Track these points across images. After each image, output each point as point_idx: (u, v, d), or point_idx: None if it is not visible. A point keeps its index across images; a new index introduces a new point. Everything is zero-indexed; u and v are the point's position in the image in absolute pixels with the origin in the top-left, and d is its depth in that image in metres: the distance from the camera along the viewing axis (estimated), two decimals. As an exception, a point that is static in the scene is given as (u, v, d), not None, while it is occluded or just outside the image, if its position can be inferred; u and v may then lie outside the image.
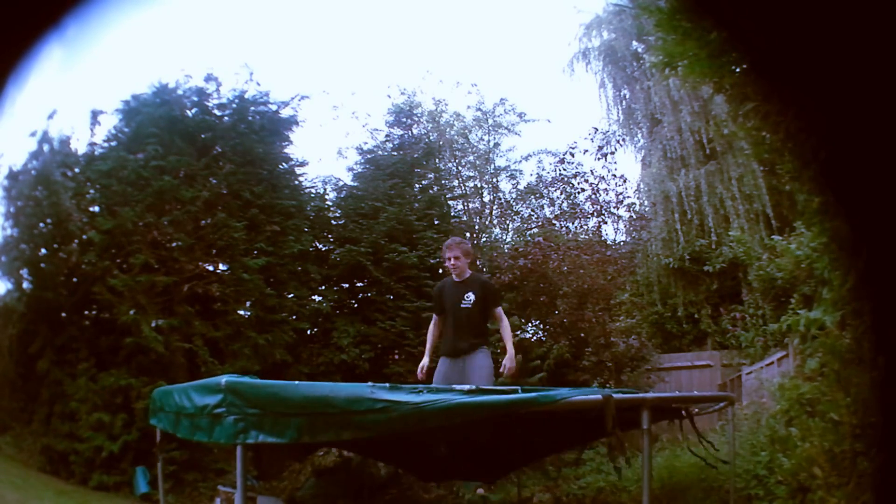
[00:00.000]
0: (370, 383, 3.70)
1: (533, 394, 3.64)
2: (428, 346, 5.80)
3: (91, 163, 9.11)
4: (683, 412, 5.33)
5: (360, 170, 12.11)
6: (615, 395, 3.53)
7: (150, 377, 8.11)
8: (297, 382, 4.45)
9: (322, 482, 7.72)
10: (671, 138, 13.75)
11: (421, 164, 12.21)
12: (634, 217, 14.06)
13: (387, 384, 3.73)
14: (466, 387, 3.84)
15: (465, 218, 13.39)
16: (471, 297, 5.51)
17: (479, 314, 5.55)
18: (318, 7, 27.69)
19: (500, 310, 5.71)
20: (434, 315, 5.95)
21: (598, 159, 13.48)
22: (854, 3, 1.88)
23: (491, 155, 14.15)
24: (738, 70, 2.88)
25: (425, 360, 5.70)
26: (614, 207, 13.50)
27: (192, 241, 8.97)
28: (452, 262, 5.69)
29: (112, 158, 9.05)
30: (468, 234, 12.57)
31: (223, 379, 4.06)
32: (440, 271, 11.08)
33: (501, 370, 5.51)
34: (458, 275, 5.72)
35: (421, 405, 3.44)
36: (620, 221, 13.98)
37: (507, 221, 13.78)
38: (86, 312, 8.88)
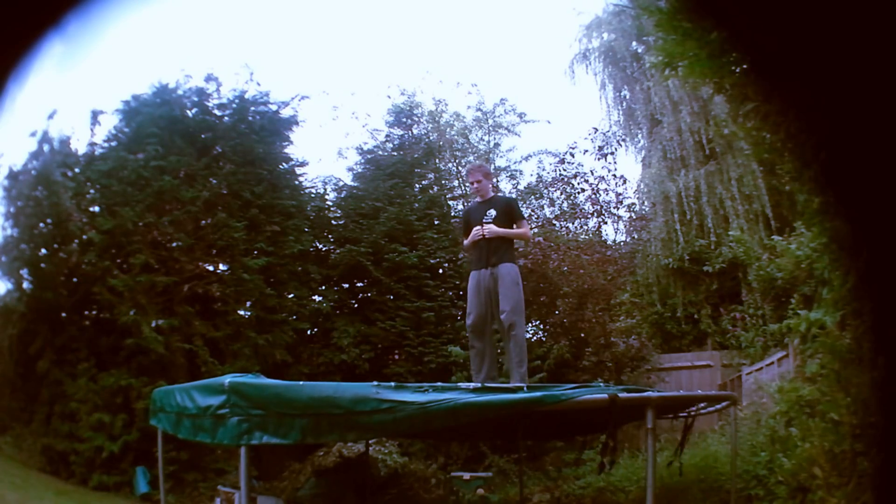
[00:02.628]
0: (375, 383, 3.69)
1: (539, 393, 3.64)
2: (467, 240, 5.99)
3: (91, 163, 9.12)
4: (689, 412, 5.34)
5: (360, 170, 12.10)
6: (621, 395, 3.54)
7: (151, 377, 8.11)
8: (301, 383, 4.44)
9: (322, 482, 7.72)
10: (671, 139, 13.75)
11: (421, 165, 12.20)
12: (634, 217, 14.04)
13: (392, 383, 3.72)
14: (472, 385, 3.85)
15: (465, 218, 13.37)
16: (492, 213, 5.71)
17: (501, 220, 5.73)
18: (318, 7, 27.70)
19: (523, 222, 5.93)
20: (464, 241, 6.11)
21: (598, 160, 13.45)
22: (854, 3, 1.88)
23: (491, 155, 14.14)
24: (738, 70, 2.88)
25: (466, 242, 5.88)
26: (614, 208, 13.46)
27: (193, 241, 8.97)
28: (475, 185, 5.94)
29: (112, 158, 9.05)
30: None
31: (226, 379, 4.05)
32: (440, 271, 11.09)
33: (485, 228, 5.64)
34: (480, 194, 5.94)
35: (426, 405, 3.44)
36: (620, 221, 13.95)
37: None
38: (86, 312, 8.88)
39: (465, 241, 5.93)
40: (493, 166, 14.05)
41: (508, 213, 5.80)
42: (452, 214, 12.71)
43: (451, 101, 15.35)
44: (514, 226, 5.79)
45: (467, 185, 6.26)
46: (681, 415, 5.82)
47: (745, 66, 2.79)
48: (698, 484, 6.12)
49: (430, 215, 11.41)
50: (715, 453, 6.57)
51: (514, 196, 6.72)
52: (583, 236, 12.13)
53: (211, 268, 9.27)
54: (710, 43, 2.79)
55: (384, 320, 10.28)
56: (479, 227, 5.66)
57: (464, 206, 13.76)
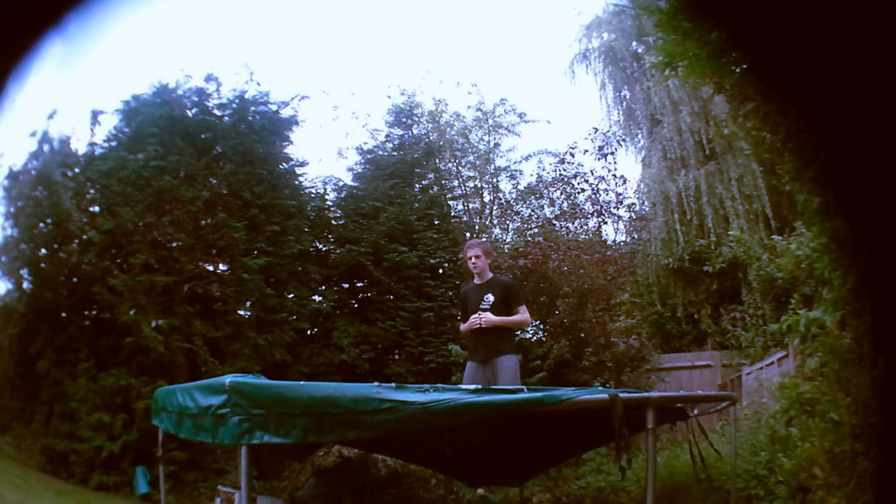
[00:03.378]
0: (376, 383, 3.69)
1: (539, 393, 3.64)
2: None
3: (91, 163, 9.12)
4: (688, 412, 5.33)
5: (360, 170, 12.11)
6: (621, 395, 3.53)
7: (151, 377, 8.11)
8: (301, 383, 4.44)
9: (322, 482, 7.72)
10: (671, 139, 13.75)
11: (421, 165, 12.21)
12: (634, 217, 14.05)
13: (392, 384, 3.72)
14: (472, 386, 3.84)
15: (465, 218, 13.39)
16: (490, 298, 5.43)
17: (500, 306, 5.44)
18: (318, 7, 27.70)
19: (522, 308, 5.56)
20: (461, 325, 5.85)
21: (599, 159, 13.47)
22: (854, 3, 1.88)
23: (491, 155, 14.15)
24: (738, 70, 2.88)
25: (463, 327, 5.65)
26: (614, 208, 13.48)
27: (193, 241, 8.97)
28: (473, 261, 5.62)
29: (112, 158, 9.05)
30: (468, 234, 12.56)
31: (227, 379, 4.04)
32: (440, 271, 11.09)
33: (477, 317, 5.37)
34: (479, 275, 5.64)
35: (427, 405, 3.43)
36: (620, 222, 13.97)
37: (508, 221, 13.78)
38: (86, 312, 8.88)
39: (462, 327, 5.65)
40: (493, 166, 14.05)
41: (507, 298, 5.47)
42: (452, 214, 12.72)
43: (451, 101, 15.37)
44: (514, 311, 5.44)
45: (466, 262, 5.87)
46: (679, 420, 5.81)
47: (745, 66, 2.80)
48: (698, 484, 6.12)
49: (430, 215, 11.41)
50: (715, 453, 6.56)
51: (513, 281, 6.45)
52: (583, 236, 12.13)
53: (211, 268, 9.27)
54: (710, 43, 2.80)
55: (384, 320, 10.28)
56: (476, 315, 5.33)
57: (464, 206, 13.80)
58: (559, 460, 7.73)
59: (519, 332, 7.91)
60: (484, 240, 6.40)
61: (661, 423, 5.81)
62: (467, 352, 5.81)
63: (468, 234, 12.53)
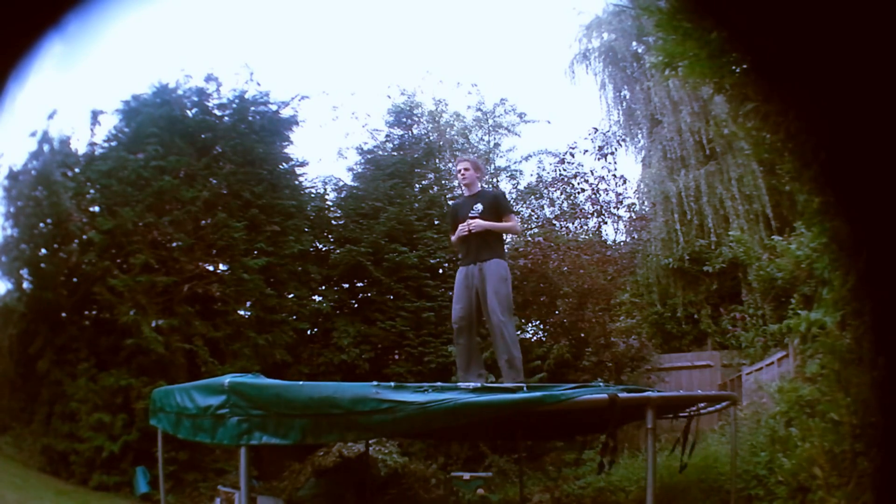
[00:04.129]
0: (375, 383, 3.68)
1: (539, 393, 3.64)
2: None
3: (91, 163, 9.12)
4: (688, 412, 5.34)
5: (360, 170, 12.10)
6: (621, 395, 3.54)
7: (151, 377, 8.11)
8: (300, 383, 4.43)
9: (322, 482, 7.72)
10: (671, 139, 13.75)
11: (421, 165, 12.20)
12: (634, 217, 14.06)
13: (391, 383, 3.72)
14: (472, 385, 3.84)
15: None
16: (479, 207, 5.56)
17: (489, 213, 5.57)
18: (318, 7, 27.70)
19: (512, 216, 5.76)
20: (451, 236, 6.01)
21: (599, 159, 13.48)
22: (854, 3, 1.88)
23: (491, 155, 14.16)
24: (738, 70, 2.88)
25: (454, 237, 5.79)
26: (614, 208, 13.50)
27: (192, 241, 8.97)
28: (462, 172, 5.79)
29: (112, 158, 9.05)
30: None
31: (226, 379, 4.04)
32: (440, 271, 11.09)
33: (470, 222, 5.50)
34: (468, 187, 5.81)
35: (426, 405, 3.43)
36: (620, 222, 13.98)
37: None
38: (86, 312, 8.88)
39: (453, 237, 5.84)
40: (493, 166, 14.06)
41: (496, 206, 5.64)
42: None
43: (451, 101, 15.38)
44: (503, 220, 5.64)
45: (456, 175, 6.04)
46: (681, 415, 5.81)
47: (745, 66, 2.80)
48: (698, 484, 6.12)
49: (430, 215, 11.41)
50: (715, 453, 6.57)
51: (501, 190, 6.54)
52: (583, 236, 12.14)
53: (211, 268, 9.26)
54: (710, 43, 2.80)
55: (384, 320, 10.28)
56: (465, 223, 5.52)
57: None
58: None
59: (509, 238, 8.08)
60: (472, 156, 6.54)
61: (663, 415, 5.82)
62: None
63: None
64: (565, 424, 6.01)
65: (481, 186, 5.91)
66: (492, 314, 5.27)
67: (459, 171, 5.86)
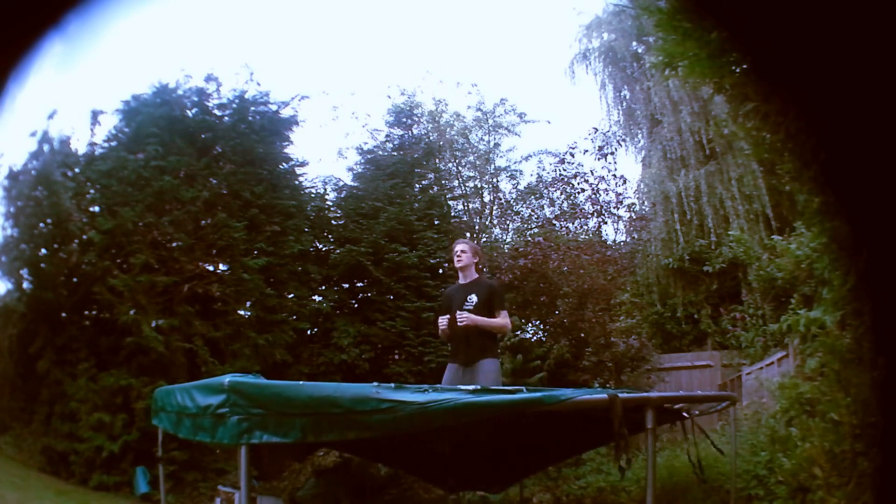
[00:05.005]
0: (375, 383, 3.68)
1: (538, 393, 3.64)
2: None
3: (91, 163, 9.12)
4: (685, 413, 5.32)
5: (360, 170, 12.10)
6: (621, 395, 3.53)
7: (151, 377, 8.11)
8: (301, 382, 4.43)
9: (322, 482, 7.72)
10: (671, 139, 13.76)
11: (421, 165, 12.20)
12: (634, 217, 14.05)
13: (392, 384, 3.72)
14: (472, 386, 3.83)
15: (465, 218, 13.39)
16: (473, 299, 5.28)
17: (482, 307, 5.27)
18: (318, 7, 27.71)
19: (503, 312, 5.37)
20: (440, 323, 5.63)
21: (599, 159, 13.48)
22: (854, 3, 1.88)
23: (491, 155, 14.15)
24: (738, 70, 2.88)
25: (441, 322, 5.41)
26: (614, 208, 13.49)
27: (193, 241, 8.97)
28: (458, 254, 5.50)
29: (112, 158, 9.05)
30: (468, 234, 12.56)
31: (226, 379, 4.04)
32: (440, 271, 11.09)
33: (459, 315, 5.14)
34: (462, 271, 5.51)
35: (427, 405, 3.43)
36: (620, 222, 13.98)
37: (508, 221, 13.78)
38: (86, 312, 8.88)
39: (441, 322, 5.38)
40: (493, 166, 14.05)
41: (490, 301, 5.30)
42: (452, 214, 12.71)
43: (451, 101, 15.36)
44: (495, 315, 5.24)
45: (452, 257, 5.68)
46: (685, 415, 5.80)
47: (745, 66, 2.80)
48: (698, 484, 6.12)
49: (430, 215, 11.41)
50: (715, 453, 6.56)
51: (497, 284, 6.27)
52: (583, 236, 12.14)
53: (211, 268, 9.27)
54: (710, 43, 2.80)
55: (384, 320, 10.28)
56: (459, 313, 5.10)
57: (464, 206, 13.80)
58: (557, 461, 7.72)
59: (501, 338, 7.46)
60: (471, 242, 6.25)
61: (661, 424, 5.81)
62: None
63: (468, 234, 12.54)
64: (570, 440, 5.95)
65: (477, 274, 5.61)
66: None
67: (456, 252, 5.54)
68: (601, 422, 3.73)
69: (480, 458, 5.94)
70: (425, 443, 5.25)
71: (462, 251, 5.51)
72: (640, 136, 15.46)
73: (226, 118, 10.10)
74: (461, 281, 5.57)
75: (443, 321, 5.27)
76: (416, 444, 5.42)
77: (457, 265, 5.57)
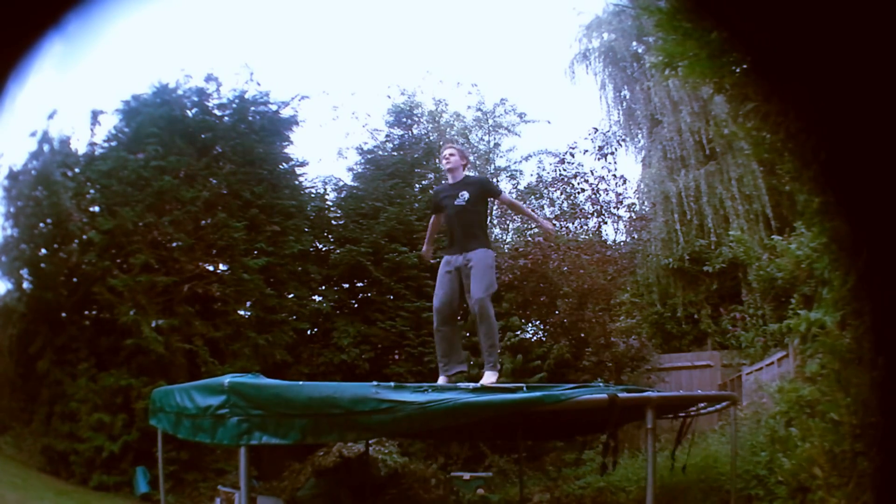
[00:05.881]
0: (374, 383, 3.68)
1: (538, 393, 3.64)
2: (427, 236, 6.00)
3: (91, 163, 9.12)
4: (689, 411, 5.33)
5: (360, 170, 12.11)
6: (620, 395, 3.54)
7: (151, 377, 8.11)
8: (300, 383, 4.43)
9: (322, 482, 7.72)
10: (671, 139, 13.75)
11: (421, 164, 12.21)
12: (634, 217, 14.05)
13: (391, 383, 3.72)
14: (472, 385, 3.84)
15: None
16: (465, 194, 5.46)
17: (475, 213, 5.53)
18: (318, 7, 27.71)
19: (504, 195, 5.77)
20: (432, 217, 6.01)
21: (599, 159, 13.47)
22: (854, 3, 1.88)
23: (491, 155, 14.15)
24: (738, 70, 2.87)
25: (425, 248, 5.92)
26: (614, 207, 13.48)
27: (193, 242, 8.97)
28: (447, 157, 5.70)
29: (112, 158, 9.05)
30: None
31: (226, 379, 4.04)
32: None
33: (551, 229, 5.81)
34: (451, 172, 5.70)
35: (426, 405, 3.43)
36: (620, 222, 13.97)
37: (507, 221, 13.77)
38: (86, 312, 8.88)
39: (433, 217, 5.83)
40: (493, 166, 14.05)
41: (484, 191, 5.64)
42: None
43: (452, 101, 15.38)
44: (499, 199, 5.80)
45: (441, 161, 6.02)
46: (681, 414, 5.82)
47: (745, 66, 2.79)
48: (698, 484, 6.12)
49: (430, 215, 11.38)
50: (715, 453, 6.57)
51: (485, 175, 6.44)
52: (583, 236, 12.13)
53: (211, 268, 9.27)
54: (710, 43, 2.79)
55: (384, 320, 10.28)
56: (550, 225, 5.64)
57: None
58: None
59: (510, 236, 8.16)
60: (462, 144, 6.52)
61: (664, 415, 5.81)
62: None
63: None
64: (565, 424, 6.01)
65: (465, 173, 5.82)
66: (473, 293, 5.18)
67: (445, 155, 5.80)
68: (600, 412, 3.73)
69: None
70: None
71: (450, 154, 5.70)
72: (640, 136, 15.45)
73: (226, 118, 10.09)
74: (450, 181, 5.77)
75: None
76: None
77: (445, 167, 5.82)
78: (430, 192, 6.29)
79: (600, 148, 13.58)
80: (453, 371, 5.27)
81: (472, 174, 6.15)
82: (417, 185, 11.93)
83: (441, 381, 5.19)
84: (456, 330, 5.62)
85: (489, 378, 4.94)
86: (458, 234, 5.46)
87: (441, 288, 5.43)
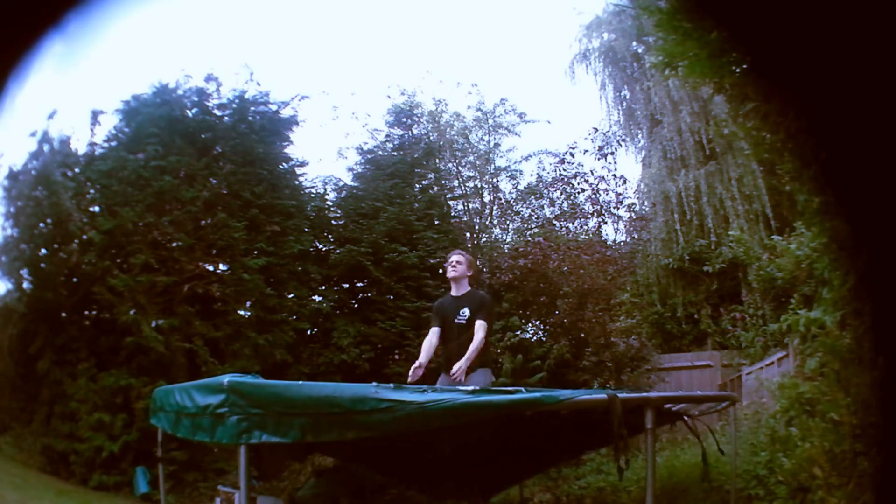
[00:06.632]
0: (374, 383, 3.69)
1: (537, 393, 3.64)
2: (423, 348, 5.41)
3: (91, 163, 9.12)
4: (686, 417, 5.32)
5: (360, 170, 12.10)
6: (620, 395, 3.53)
7: (151, 377, 8.11)
8: (300, 382, 4.44)
9: (322, 482, 7.72)
10: (671, 139, 13.76)
11: (421, 165, 12.21)
12: (634, 217, 14.05)
13: (391, 384, 3.72)
14: (471, 387, 3.84)
15: (465, 218, 13.38)
16: (465, 312, 5.25)
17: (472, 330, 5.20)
18: (318, 7, 27.72)
19: (480, 322, 5.20)
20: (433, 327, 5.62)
21: (599, 159, 13.47)
22: (854, 3, 1.88)
23: (491, 155, 14.13)
24: (738, 70, 2.88)
25: (420, 360, 5.25)
26: (614, 207, 13.49)
27: (193, 241, 8.97)
28: (453, 264, 5.43)
29: (112, 158, 9.05)
30: (468, 234, 12.56)
31: (225, 378, 4.04)
32: (440, 271, 11.09)
33: (452, 372, 5.00)
34: (455, 281, 5.45)
35: (425, 405, 3.43)
36: (620, 221, 13.98)
37: (508, 221, 13.76)
38: (86, 312, 8.88)
39: (433, 328, 5.37)
40: (493, 166, 14.04)
41: (479, 310, 5.25)
42: (452, 214, 12.71)
43: (452, 101, 15.34)
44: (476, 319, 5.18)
45: (446, 265, 5.63)
46: (685, 417, 5.80)
47: (744, 66, 2.80)
48: (698, 484, 6.12)
49: (430, 215, 11.41)
50: (715, 453, 6.56)
51: (489, 297, 6.13)
52: (583, 236, 12.14)
53: (211, 268, 9.26)
54: (710, 43, 2.80)
55: (384, 320, 10.28)
56: (453, 372, 4.91)
57: (464, 206, 13.79)
58: (556, 463, 7.68)
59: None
60: (467, 254, 6.17)
61: (661, 425, 5.81)
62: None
63: (468, 234, 12.54)
64: (570, 441, 5.94)
65: (470, 287, 5.51)
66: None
67: (451, 262, 5.46)
68: (601, 423, 3.73)
69: (480, 461, 5.89)
70: (424, 445, 5.22)
71: (457, 262, 5.44)
72: (640, 136, 15.46)
73: (226, 118, 10.10)
74: (453, 293, 5.49)
75: (415, 370, 5.10)
76: (413, 449, 5.38)
77: (449, 275, 5.48)
78: (435, 303, 5.99)
79: (600, 148, 13.59)
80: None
81: (476, 291, 5.72)
82: (417, 185, 11.93)
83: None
84: None
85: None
86: (455, 353, 5.13)
87: None
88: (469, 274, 5.48)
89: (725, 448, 5.43)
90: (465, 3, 24.01)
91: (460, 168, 13.98)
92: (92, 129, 9.35)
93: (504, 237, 13.46)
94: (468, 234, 12.52)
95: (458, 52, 25.58)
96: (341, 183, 11.89)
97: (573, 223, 12.71)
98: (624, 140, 14.91)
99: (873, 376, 2.41)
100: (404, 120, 13.23)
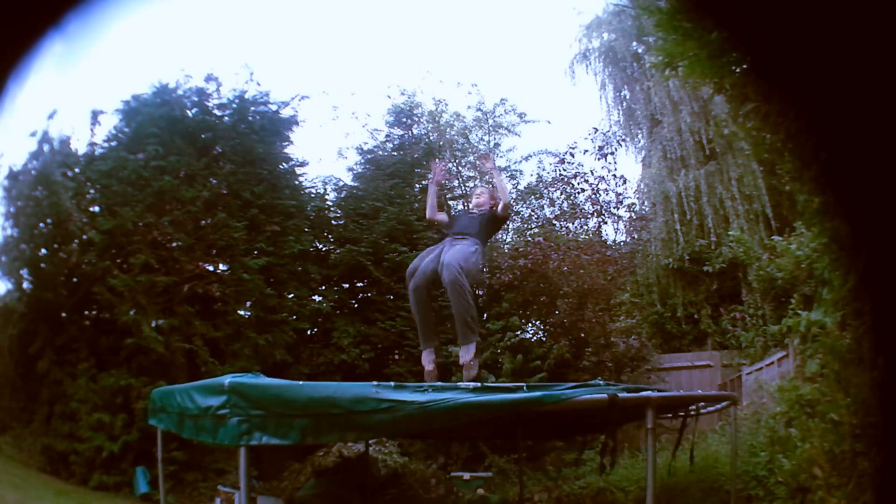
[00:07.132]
0: (375, 383, 3.68)
1: (538, 393, 3.64)
2: (429, 201, 6.17)
3: (91, 163, 9.12)
4: (682, 414, 5.33)
5: (360, 170, 12.11)
6: (620, 395, 3.54)
7: (151, 377, 8.11)
8: (300, 383, 4.43)
9: (322, 482, 7.72)
10: (671, 139, 13.75)
11: (421, 164, 12.20)
12: (634, 217, 14.04)
13: (391, 383, 3.72)
14: (472, 385, 3.84)
15: (465, 218, 13.36)
16: (475, 224, 5.75)
17: (480, 224, 5.75)
18: (318, 7, 27.72)
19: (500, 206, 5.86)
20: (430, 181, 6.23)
21: (599, 159, 13.45)
22: (854, 3, 1.88)
23: (491, 155, 14.13)
24: (738, 70, 2.87)
25: (432, 212, 6.11)
26: (614, 208, 13.47)
27: (192, 241, 8.97)
28: (478, 194, 6.17)
29: (112, 158, 9.06)
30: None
31: (226, 380, 4.03)
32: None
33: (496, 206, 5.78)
34: (477, 206, 6.05)
35: (426, 405, 3.43)
36: (620, 222, 13.96)
37: (507, 222, 13.76)
38: (86, 312, 8.88)
39: (432, 209, 6.03)
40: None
41: (485, 220, 5.82)
42: (452, 214, 12.70)
43: (452, 101, 15.34)
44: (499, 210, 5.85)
45: (472, 196, 6.42)
46: (680, 414, 5.82)
47: (745, 67, 2.79)
48: (698, 484, 6.12)
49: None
50: (715, 453, 6.57)
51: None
52: (583, 236, 12.13)
53: (211, 268, 9.27)
54: (710, 43, 2.79)
55: (384, 320, 10.28)
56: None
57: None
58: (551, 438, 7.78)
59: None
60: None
61: (664, 414, 5.82)
62: None
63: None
64: (565, 424, 6.01)
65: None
66: (448, 266, 5.25)
67: (477, 195, 6.18)
68: (598, 413, 3.73)
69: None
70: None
71: (481, 192, 6.27)
72: (640, 136, 15.45)
73: (226, 118, 10.10)
74: (471, 214, 6.04)
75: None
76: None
77: (473, 201, 6.21)
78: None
79: (600, 148, 13.57)
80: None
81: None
82: (417, 185, 11.92)
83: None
84: (430, 310, 5.83)
85: (465, 356, 4.94)
86: (458, 232, 5.65)
87: (421, 258, 5.71)
88: (491, 203, 6.06)
89: (725, 448, 5.44)
90: (465, 3, 24.02)
91: (460, 168, 13.98)
92: (92, 129, 9.38)
93: (504, 237, 13.46)
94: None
95: (458, 52, 25.60)
96: (341, 183, 11.90)
97: (573, 223, 12.70)
98: (624, 140, 14.89)
99: (873, 376, 2.41)
100: (404, 120, 13.23)
